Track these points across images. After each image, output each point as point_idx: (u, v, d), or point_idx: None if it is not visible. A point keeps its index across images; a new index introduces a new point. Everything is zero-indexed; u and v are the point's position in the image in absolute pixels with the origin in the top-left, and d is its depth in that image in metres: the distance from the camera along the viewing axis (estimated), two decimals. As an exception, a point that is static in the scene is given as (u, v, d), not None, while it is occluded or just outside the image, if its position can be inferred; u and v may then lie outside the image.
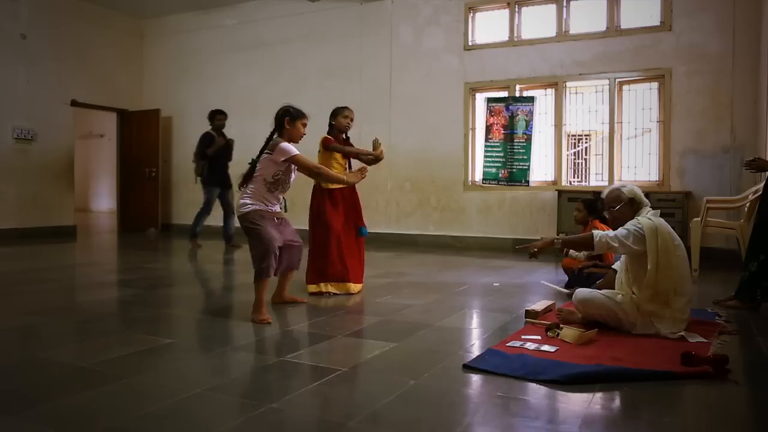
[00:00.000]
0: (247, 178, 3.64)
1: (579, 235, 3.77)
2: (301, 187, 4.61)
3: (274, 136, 3.68)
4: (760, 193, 4.23)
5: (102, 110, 10.60)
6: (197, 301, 4.22)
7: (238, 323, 3.42)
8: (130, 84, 10.64)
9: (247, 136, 9.68)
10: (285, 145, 3.59)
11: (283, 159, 3.57)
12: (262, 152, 3.64)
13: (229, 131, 10.05)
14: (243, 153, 9.63)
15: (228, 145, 7.80)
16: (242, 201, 3.61)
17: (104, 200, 14.98)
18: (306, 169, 3.71)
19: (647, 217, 3.22)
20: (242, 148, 9.76)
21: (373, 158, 4.39)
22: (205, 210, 7.71)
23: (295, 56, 9.35)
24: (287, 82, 9.22)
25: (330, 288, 4.33)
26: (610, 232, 3.25)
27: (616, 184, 3.64)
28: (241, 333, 3.22)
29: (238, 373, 2.54)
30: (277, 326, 3.40)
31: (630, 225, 3.21)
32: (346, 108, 4.50)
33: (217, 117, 7.76)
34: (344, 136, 4.55)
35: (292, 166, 3.66)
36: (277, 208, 3.72)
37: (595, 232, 3.29)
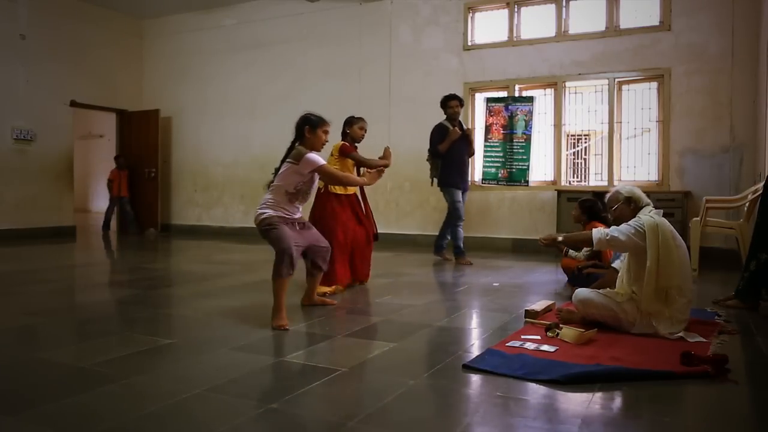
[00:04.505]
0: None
1: (580, 233, 3.82)
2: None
3: (296, 145, 3.59)
4: (759, 192, 4.24)
5: (101, 110, 10.61)
6: (197, 301, 4.22)
7: (238, 323, 3.42)
8: (130, 84, 10.63)
9: (246, 137, 9.71)
10: (312, 156, 3.50)
11: (309, 170, 3.50)
12: (284, 161, 3.56)
13: (227, 131, 10.11)
14: (243, 154, 9.74)
15: (466, 137, 6.43)
16: (260, 211, 3.47)
17: (104, 201, 14.94)
18: (331, 178, 3.69)
19: (649, 215, 3.26)
20: (242, 148, 9.80)
21: (381, 167, 4.46)
22: (454, 216, 6.36)
23: (294, 56, 9.35)
24: (287, 82, 9.21)
25: (336, 289, 4.37)
26: (609, 229, 3.32)
27: (616, 186, 3.70)
28: (241, 333, 3.22)
29: (238, 373, 2.54)
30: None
31: (632, 221, 3.26)
32: (361, 119, 4.69)
33: (450, 103, 6.36)
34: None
35: (315, 175, 3.58)
36: (298, 215, 3.61)
37: (594, 230, 3.37)
